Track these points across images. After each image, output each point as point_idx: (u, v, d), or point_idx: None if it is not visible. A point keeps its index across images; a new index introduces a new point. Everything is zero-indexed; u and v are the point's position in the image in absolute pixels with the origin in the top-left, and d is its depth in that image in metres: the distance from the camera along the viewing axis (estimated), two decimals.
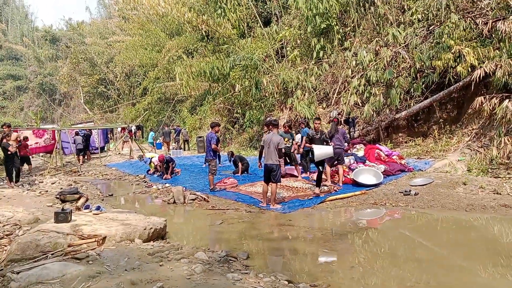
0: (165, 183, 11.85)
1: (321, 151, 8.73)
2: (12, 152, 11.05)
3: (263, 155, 8.78)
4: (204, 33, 23.05)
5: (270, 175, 8.16)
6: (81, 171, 15.65)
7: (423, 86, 12.97)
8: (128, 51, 31.23)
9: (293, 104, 16.07)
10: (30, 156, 15.92)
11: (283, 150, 8.25)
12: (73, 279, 3.91)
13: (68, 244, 5.01)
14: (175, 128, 23.45)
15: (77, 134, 19.53)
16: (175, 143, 22.99)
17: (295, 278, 4.59)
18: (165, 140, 23.06)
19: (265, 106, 19.27)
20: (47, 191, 10.34)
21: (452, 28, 11.98)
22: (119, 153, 22.41)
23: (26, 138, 15.70)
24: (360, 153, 11.77)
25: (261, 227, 7.07)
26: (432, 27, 13.34)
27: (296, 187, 9.95)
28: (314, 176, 10.75)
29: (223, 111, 23.21)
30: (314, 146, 8.91)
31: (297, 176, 11.22)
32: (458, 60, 11.70)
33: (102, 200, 9.92)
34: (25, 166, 15.19)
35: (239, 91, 18.98)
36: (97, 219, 6.15)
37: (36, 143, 16.85)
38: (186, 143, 23.48)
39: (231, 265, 4.81)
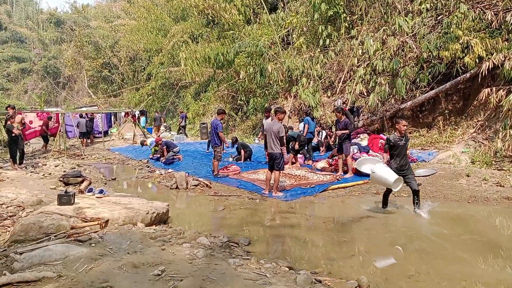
0: (168, 169, 11.89)
1: (382, 174, 6.77)
2: (16, 134, 11.09)
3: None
4: (209, 18, 22.89)
5: (274, 163, 8.17)
6: (85, 155, 15.71)
7: (430, 76, 12.86)
8: (133, 34, 31.08)
9: (297, 92, 16.00)
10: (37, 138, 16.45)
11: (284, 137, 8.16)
12: (75, 261, 3.95)
13: (71, 227, 5.06)
14: (180, 114, 23.39)
15: (81, 116, 19.62)
16: (181, 129, 22.91)
17: (296, 265, 4.63)
18: (154, 125, 23.39)
19: (270, 93, 19.21)
20: (50, 173, 10.39)
21: (460, 19, 11.82)
22: (122, 138, 22.47)
23: (50, 118, 17.12)
24: (364, 143, 11.76)
25: (263, 214, 7.11)
26: (441, 17, 13.16)
27: (299, 175, 9.96)
28: (317, 164, 10.79)
29: (227, 97, 23.15)
30: (377, 167, 6.98)
31: (294, 163, 11.28)
32: (465, 51, 11.57)
33: (105, 183, 9.97)
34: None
35: (244, 78, 18.91)
36: (100, 203, 6.20)
37: (40, 125, 16.93)
38: (183, 128, 23.50)
39: (233, 251, 4.85)
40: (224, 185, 9.47)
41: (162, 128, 24.46)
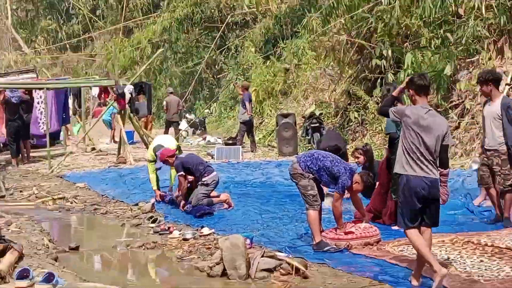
0: (200, 227, 12.08)
1: None
2: None
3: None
4: None
5: (432, 207, 8.07)
6: (6, 189, 16.40)
7: None
8: None
9: None
10: None
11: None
12: None
13: None
14: (243, 94, 23.28)
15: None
16: (244, 129, 23.10)
17: None
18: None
19: (459, 40, 18.99)
20: None
21: None
22: (93, 148, 23.36)
23: None
24: None
25: None
26: None
27: None
28: None
29: (345, 52, 23.16)
30: None
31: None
32: None
33: (56, 260, 10.32)
34: None
35: (387, 3, 18.93)
36: None
37: None
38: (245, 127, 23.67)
39: None
40: (340, 271, 9.44)
41: (182, 126, 25.00)
